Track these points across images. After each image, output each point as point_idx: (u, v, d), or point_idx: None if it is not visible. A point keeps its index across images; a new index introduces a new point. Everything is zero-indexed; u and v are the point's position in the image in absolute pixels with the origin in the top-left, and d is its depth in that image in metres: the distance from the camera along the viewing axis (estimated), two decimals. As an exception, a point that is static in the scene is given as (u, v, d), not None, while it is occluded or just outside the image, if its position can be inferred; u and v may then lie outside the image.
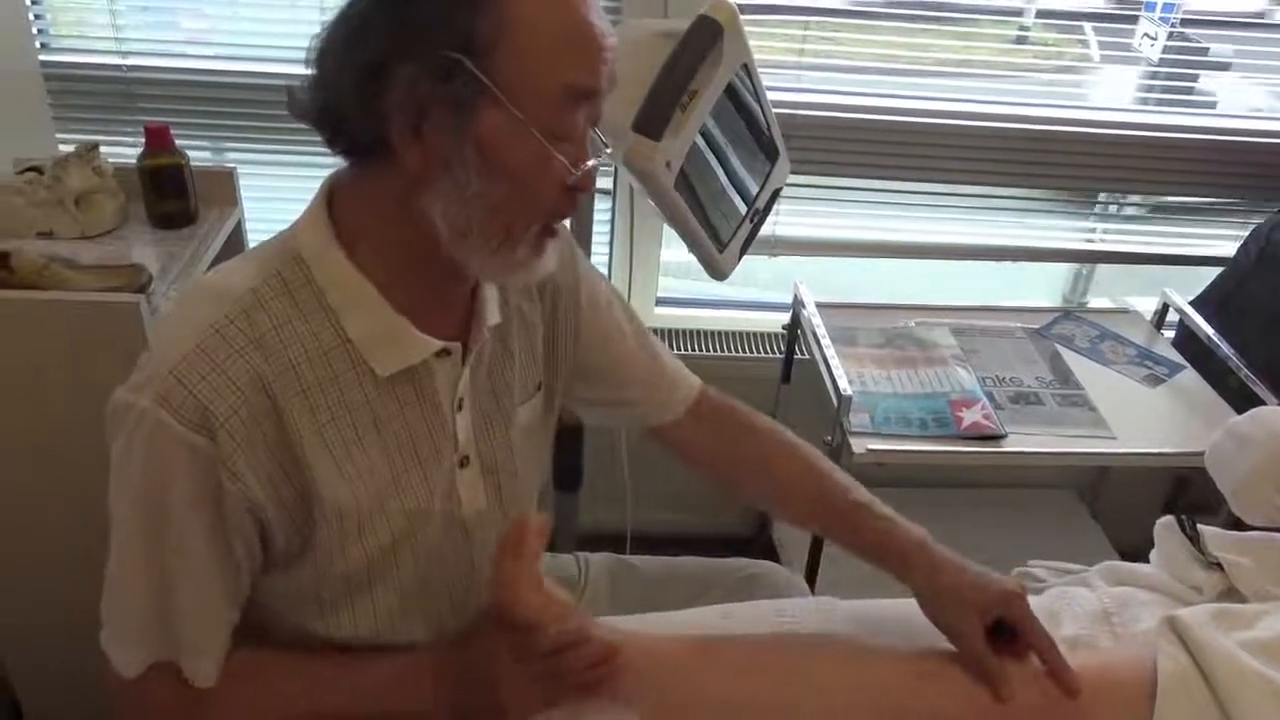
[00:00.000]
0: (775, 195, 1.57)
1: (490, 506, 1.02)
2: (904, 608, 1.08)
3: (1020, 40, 2.17)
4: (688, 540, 2.32)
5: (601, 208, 2.06)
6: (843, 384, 1.70)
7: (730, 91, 1.35)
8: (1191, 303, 2.05)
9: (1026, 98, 2.10)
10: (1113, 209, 2.27)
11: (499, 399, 1.01)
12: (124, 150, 1.86)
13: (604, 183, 2.04)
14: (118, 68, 1.89)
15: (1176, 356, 1.98)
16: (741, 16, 1.29)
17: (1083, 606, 1.17)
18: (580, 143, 0.84)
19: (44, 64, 1.87)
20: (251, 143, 1.98)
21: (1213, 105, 2.16)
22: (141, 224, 1.67)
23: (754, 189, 1.50)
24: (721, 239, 1.44)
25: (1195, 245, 2.28)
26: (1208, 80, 2.12)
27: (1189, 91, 2.11)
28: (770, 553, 2.24)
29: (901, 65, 2.06)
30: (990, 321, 2.04)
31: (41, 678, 1.67)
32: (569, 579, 1.33)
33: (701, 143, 1.33)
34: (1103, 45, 2.10)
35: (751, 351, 2.21)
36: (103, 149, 1.67)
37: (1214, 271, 2.11)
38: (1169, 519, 1.24)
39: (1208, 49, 2.10)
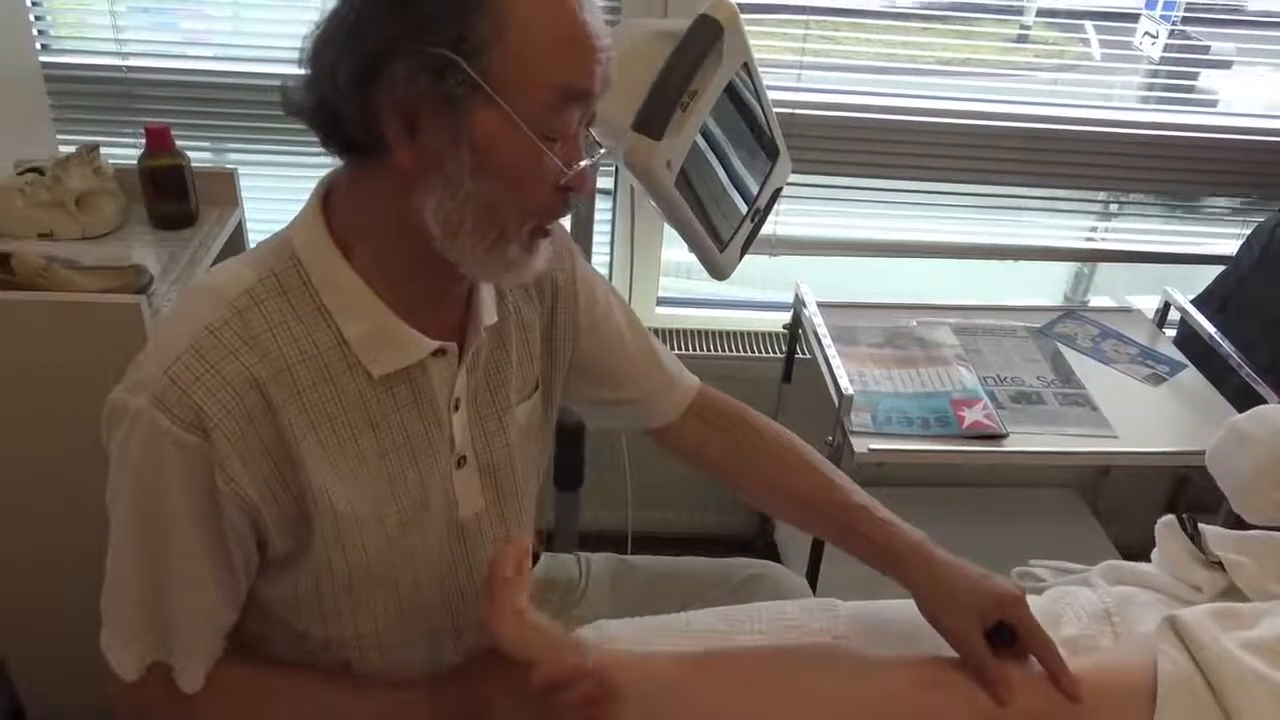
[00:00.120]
0: (776, 194, 1.57)
1: (488, 507, 1.02)
2: (906, 609, 1.08)
3: (1021, 39, 2.16)
4: (689, 540, 2.34)
5: (602, 207, 2.06)
6: (844, 383, 1.70)
7: (731, 91, 1.35)
8: (1193, 301, 2.05)
9: (1027, 96, 2.09)
10: (1114, 207, 2.27)
11: (496, 399, 1.01)
12: (124, 151, 1.86)
13: (605, 183, 2.04)
14: (118, 68, 1.89)
15: (1178, 355, 1.97)
16: (742, 16, 1.29)
17: (1084, 606, 1.17)
18: (574, 143, 0.84)
19: (44, 65, 1.87)
20: (252, 143, 1.98)
21: (1214, 103, 2.16)
22: (142, 225, 1.68)
23: (755, 188, 1.50)
24: (722, 238, 1.44)
25: (1197, 244, 2.27)
26: (1209, 79, 2.12)
27: (1190, 90, 2.11)
28: (772, 553, 2.24)
29: (902, 64, 2.06)
30: (992, 320, 2.04)
31: (44, 678, 1.67)
32: (570, 579, 1.33)
33: (702, 142, 1.33)
34: (1103, 44, 2.10)
35: (752, 351, 2.21)
36: (103, 150, 1.67)
37: (1215, 270, 2.11)
38: (1170, 518, 1.23)
39: (1209, 47, 2.09)
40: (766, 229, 1.66)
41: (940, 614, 1.02)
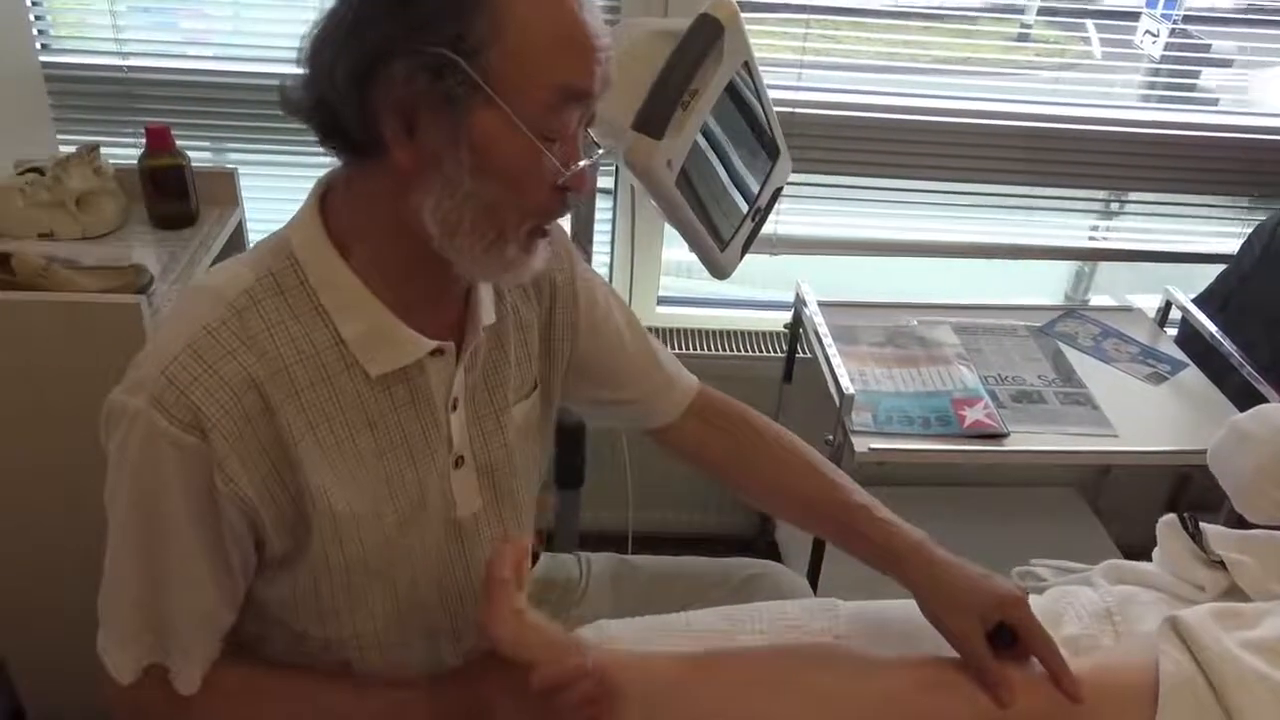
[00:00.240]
0: (777, 194, 1.57)
1: (486, 507, 1.01)
2: (907, 609, 1.07)
3: (1022, 38, 2.16)
4: (690, 540, 2.34)
5: (603, 207, 2.05)
6: (845, 383, 1.70)
7: (731, 90, 1.35)
8: (1194, 300, 2.04)
9: (1028, 95, 2.09)
10: (1115, 206, 2.27)
11: (494, 399, 1.00)
12: (125, 151, 1.86)
13: (605, 182, 2.04)
14: (118, 68, 1.89)
15: (1179, 354, 1.97)
16: (742, 15, 1.29)
17: (1085, 606, 1.17)
18: (573, 143, 0.84)
19: (44, 65, 1.87)
20: (252, 143, 1.98)
21: (1215, 102, 2.16)
22: (142, 225, 1.68)
23: (755, 187, 1.50)
24: (723, 238, 1.44)
25: (1198, 242, 2.27)
26: (1210, 77, 2.12)
27: (1191, 88, 2.11)
28: (773, 553, 2.24)
29: (903, 63, 2.06)
30: (992, 320, 2.04)
31: (44, 678, 1.67)
32: (570, 579, 1.33)
33: (703, 141, 1.33)
34: (1104, 42, 2.10)
35: (753, 350, 2.21)
36: (103, 150, 1.67)
37: (1216, 269, 2.10)
38: (1171, 517, 1.23)
39: (1210, 45, 2.09)
40: (767, 228, 1.66)
41: (941, 614, 1.02)
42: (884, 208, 2.16)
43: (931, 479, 2.25)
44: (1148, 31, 2.02)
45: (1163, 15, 1.99)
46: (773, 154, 1.52)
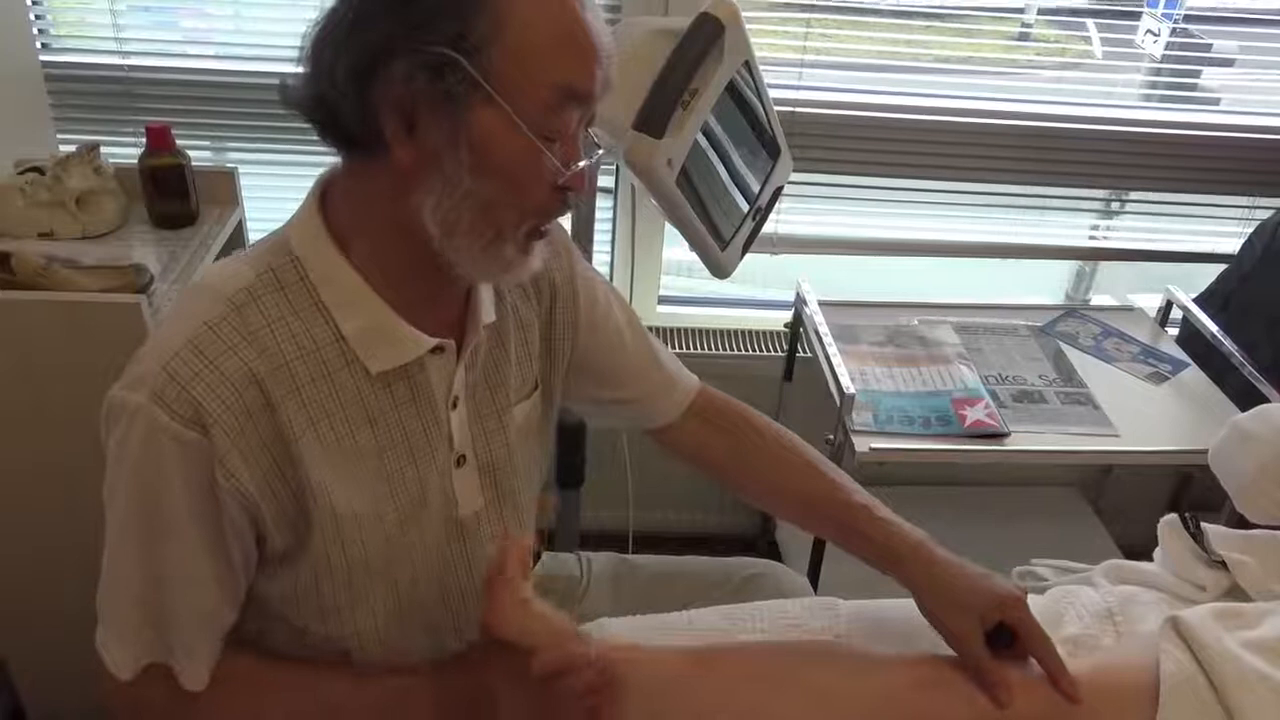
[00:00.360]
0: (777, 193, 1.57)
1: (487, 506, 1.01)
2: (907, 608, 1.07)
3: (1022, 37, 2.16)
4: (691, 539, 2.34)
5: (603, 206, 2.05)
6: (845, 382, 1.70)
7: (732, 89, 1.34)
8: (1195, 300, 2.04)
9: (1029, 94, 2.09)
10: (1115, 206, 2.27)
11: (495, 398, 1.00)
12: (125, 150, 1.86)
13: (605, 181, 2.04)
14: (118, 67, 1.89)
15: (1180, 354, 1.97)
16: (743, 14, 1.29)
17: (1086, 606, 1.16)
18: (572, 143, 0.84)
19: (45, 64, 1.87)
20: (252, 142, 1.98)
21: (1216, 101, 2.15)
22: (142, 224, 1.67)
23: (756, 187, 1.49)
24: (723, 237, 1.44)
25: (1199, 242, 2.27)
26: (1211, 76, 2.12)
27: (1192, 88, 2.10)
28: (773, 552, 2.24)
29: (903, 62, 2.06)
30: (993, 319, 2.04)
31: (44, 678, 1.67)
32: (571, 579, 1.33)
33: (703, 141, 1.33)
34: (1105, 41, 2.09)
35: (754, 350, 2.21)
36: (103, 149, 1.67)
37: (1217, 268, 2.10)
38: (1173, 517, 1.23)
39: (1211, 45, 2.09)
40: (768, 227, 1.66)
41: (940, 614, 1.02)
42: (884, 207, 2.16)
43: (932, 479, 2.25)
44: (1149, 31, 2.02)
45: (1164, 14, 1.99)
46: (773, 153, 1.52)
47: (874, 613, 1.17)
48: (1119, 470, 2.32)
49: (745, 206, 1.48)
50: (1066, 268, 2.44)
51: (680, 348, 2.17)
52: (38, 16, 1.85)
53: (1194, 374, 1.91)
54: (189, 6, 1.94)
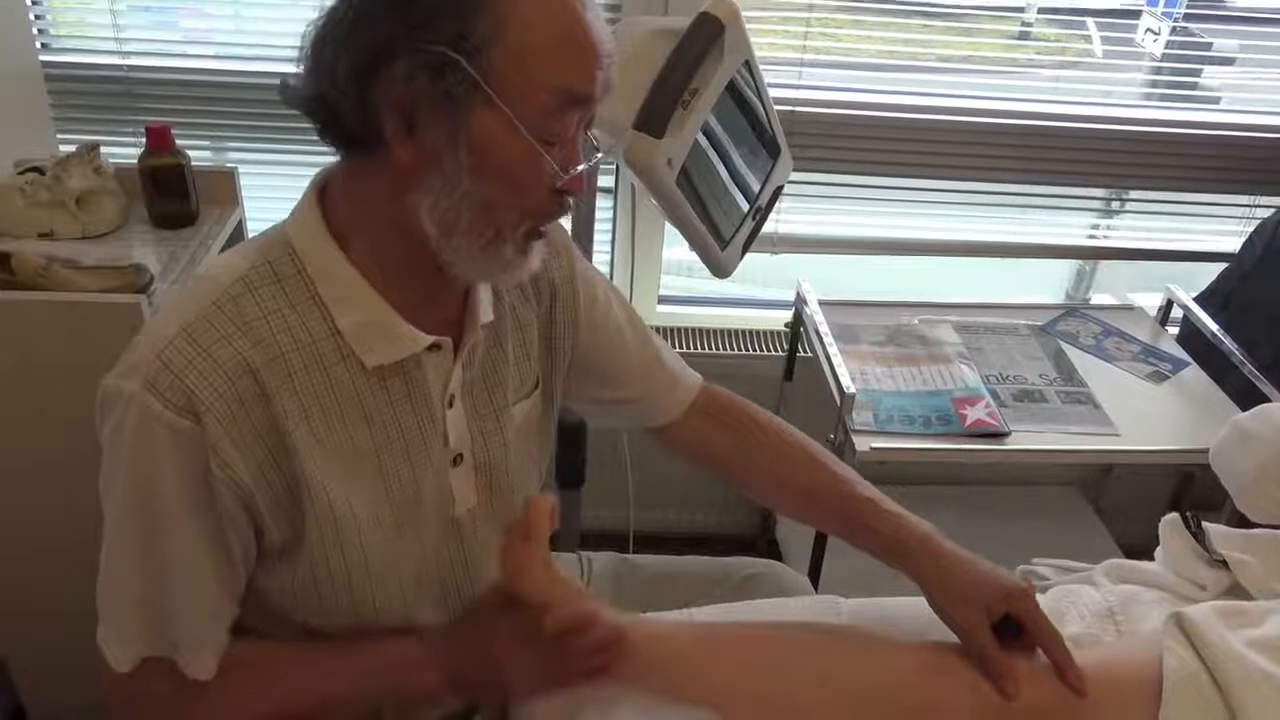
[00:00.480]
0: (777, 192, 1.56)
1: (481, 504, 1.01)
2: (908, 607, 1.07)
3: (1022, 36, 2.16)
4: (691, 539, 2.34)
5: (604, 206, 2.05)
6: (846, 382, 1.70)
7: (732, 89, 1.34)
8: (1196, 299, 2.04)
9: (1029, 93, 2.09)
10: (1116, 205, 2.26)
11: (493, 398, 1.00)
12: (125, 150, 1.86)
13: (606, 181, 2.03)
14: (118, 67, 1.89)
15: (1181, 353, 1.97)
16: (743, 13, 1.29)
17: (1088, 605, 1.16)
18: (571, 146, 0.84)
19: (45, 64, 1.87)
20: (252, 142, 1.98)
21: (1216, 100, 2.15)
22: (142, 224, 1.67)
23: (756, 186, 1.49)
24: (724, 237, 1.43)
25: (1199, 241, 2.27)
26: (1211, 75, 2.12)
27: (1193, 87, 2.10)
28: (774, 552, 2.24)
29: (903, 62, 2.06)
30: (994, 318, 2.03)
31: (44, 677, 1.67)
32: (571, 578, 1.33)
33: (703, 140, 1.33)
34: (1105, 40, 2.09)
35: (754, 349, 2.21)
36: (103, 149, 1.67)
37: (1218, 267, 2.10)
38: (1174, 516, 1.23)
39: (1211, 44, 2.09)
40: (768, 227, 1.66)
41: (947, 607, 1.02)
42: (885, 206, 2.16)
43: (932, 478, 2.25)
44: (1149, 29, 2.02)
45: (1164, 13, 1.99)
46: (773, 153, 1.52)
47: (875, 611, 1.17)
48: (1119, 469, 2.32)
49: (745, 206, 1.48)
50: (1067, 267, 2.44)
51: (680, 347, 2.17)
52: (38, 16, 1.85)
53: (1194, 373, 1.91)
54: (189, 6, 1.94)
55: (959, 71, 2.10)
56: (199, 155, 1.91)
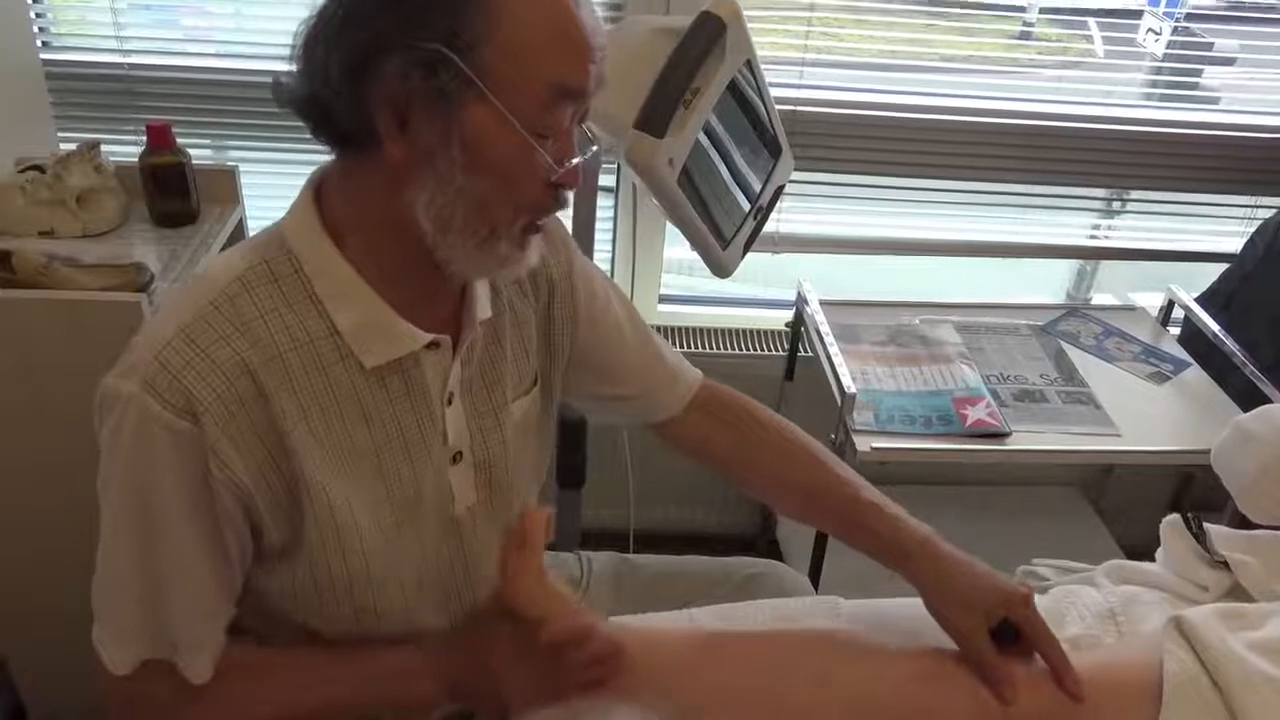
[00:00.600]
0: (779, 192, 1.56)
1: (480, 503, 1.01)
2: (908, 608, 1.07)
3: (1024, 35, 2.16)
4: (691, 539, 2.34)
5: (604, 205, 2.05)
6: (846, 381, 1.70)
7: (733, 88, 1.34)
8: (1197, 299, 2.04)
9: (1030, 93, 2.09)
10: (1117, 205, 2.26)
11: (492, 395, 1.00)
12: (125, 148, 1.86)
13: (607, 180, 2.03)
14: (119, 66, 1.88)
15: (1182, 353, 1.97)
16: (744, 13, 1.29)
17: (1088, 606, 1.16)
18: (566, 140, 0.84)
19: (45, 62, 1.87)
20: (253, 141, 1.98)
21: (1217, 100, 2.15)
22: (143, 222, 1.67)
23: (757, 186, 1.49)
24: (725, 236, 1.43)
25: (1200, 241, 2.27)
26: (1213, 75, 2.12)
27: (1194, 87, 2.10)
28: (775, 551, 2.24)
29: (904, 61, 2.06)
30: (995, 318, 2.03)
31: (45, 677, 1.67)
32: (571, 578, 1.33)
33: (704, 140, 1.32)
34: (1107, 40, 2.09)
35: (755, 349, 2.20)
36: (104, 147, 1.66)
37: (1219, 268, 2.10)
38: (1175, 517, 1.23)
39: (1212, 44, 2.09)
40: (769, 226, 1.65)
41: (946, 611, 1.02)
42: (886, 206, 2.15)
43: (933, 478, 2.25)
44: (1150, 29, 2.02)
45: (1165, 13, 1.99)
46: (775, 152, 1.51)
47: (875, 612, 1.17)
48: (1120, 470, 2.32)
49: (747, 206, 1.47)
50: (1068, 267, 2.44)
51: (681, 347, 2.17)
52: (38, 15, 1.85)
53: (1196, 374, 1.91)
54: (190, 5, 1.94)
55: (960, 71, 2.09)
56: (200, 154, 1.91)
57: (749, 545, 2.38)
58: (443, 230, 0.83)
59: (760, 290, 2.37)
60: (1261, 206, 2.17)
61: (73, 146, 1.65)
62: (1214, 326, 1.93)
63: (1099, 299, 2.38)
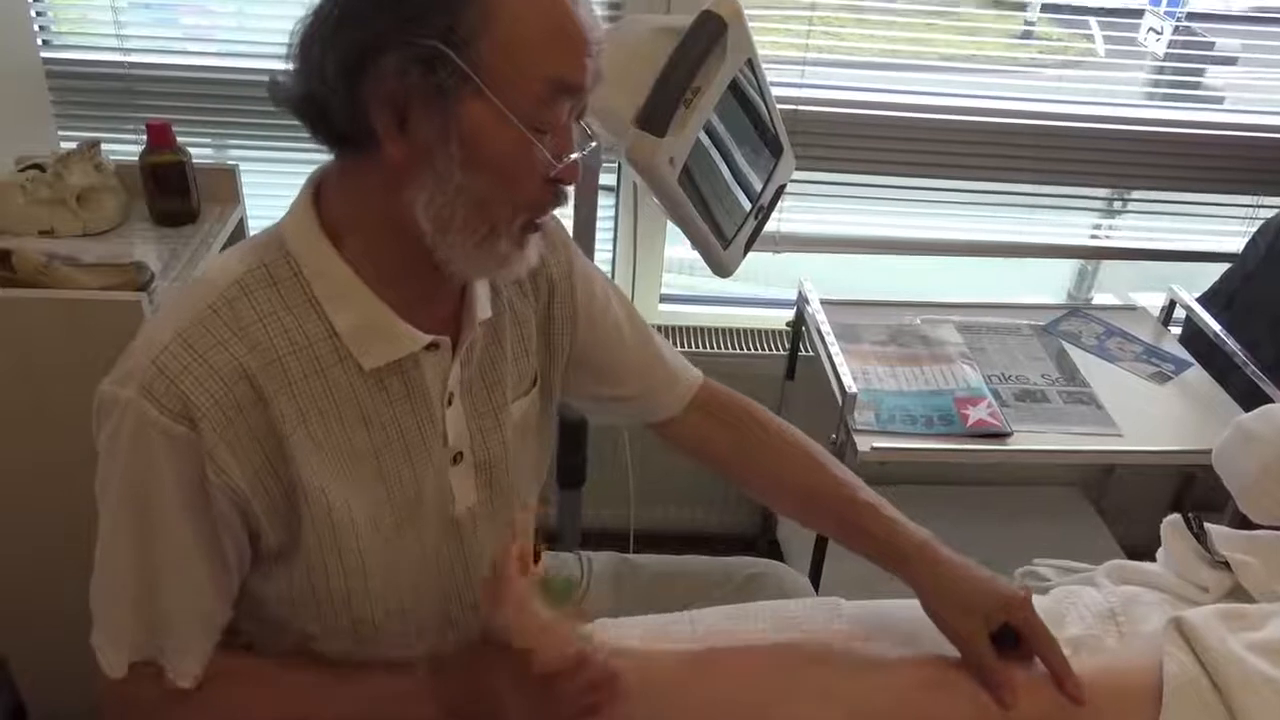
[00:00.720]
0: (779, 191, 1.56)
1: (481, 503, 1.01)
2: (909, 609, 1.07)
3: (1025, 35, 2.15)
4: (692, 539, 2.34)
5: (605, 204, 2.05)
6: (847, 381, 1.69)
7: (734, 87, 1.34)
8: (1199, 299, 2.04)
9: (1031, 93, 2.08)
10: (1118, 204, 2.26)
11: (492, 396, 1.00)
12: (126, 147, 1.86)
13: (608, 179, 2.03)
14: (119, 64, 1.88)
15: (1183, 353, 1.97)
16: (745, 12, 1.29)
17: (1089, 606, 1.16)
18: (563, 135, 0.84)
19: (46, 61, 1.86)
20: (253, 139, 1.98)
21: (1219, 100, 2.15)
22: (143, 221, 1.67)
23: (758, 185, 1.49)
24: (725, 235, 1.43)
25: (1202, 241, 2.27)
26: (1214, 75, 2.11)
27: (1195, 86, 2.10)
28: (775, 552, 2.24)
29: (905, 60, 2.05)
30: (996, 318, 2.03)
31: (45, 677, 1.67)
32: (572, 578, 1.33)
33: (705, 139, 1.32)
34: (1108, 40, 2.09)
35: (756, 349, 2.20)
36: (104, 146, 1.66)
37: (1221, 267, 2.10)
38: (1176, 517, 1.23)
39: (1214, 43, 2.08)
40: (770, 226, 1.65)
41: (945, 614, 1.02)
42: (887, 205, 2.15)
43: (934, 478, 2.25)
44: (1151, 29, 2.01)
45: (1166, 13, 1.99)
46: (776, 151, 1.51)
47: (877, 613, 1.16)
48: (1121, 470, 2.32)
49: (748, 205, 1.47)
50: (1069, 267, 2.44)
51: (682, 346, 2.17)
52: (39, 14, 1.85)
53: (1197, 374, 1.91)
54: (190, 4, 1.94)
55: (961, 70, 2.09)
56: (200, 152, 1.91)
57: (749, 545, 2.38)
58: (442, 230, 0.83)
59: (761, 290, 2.37)
60: (1263, 206, 2.17)
61: (73, 145, 1.64)
62: (1215, 326, 1.92)
63: (1100, 299, 2.38)
